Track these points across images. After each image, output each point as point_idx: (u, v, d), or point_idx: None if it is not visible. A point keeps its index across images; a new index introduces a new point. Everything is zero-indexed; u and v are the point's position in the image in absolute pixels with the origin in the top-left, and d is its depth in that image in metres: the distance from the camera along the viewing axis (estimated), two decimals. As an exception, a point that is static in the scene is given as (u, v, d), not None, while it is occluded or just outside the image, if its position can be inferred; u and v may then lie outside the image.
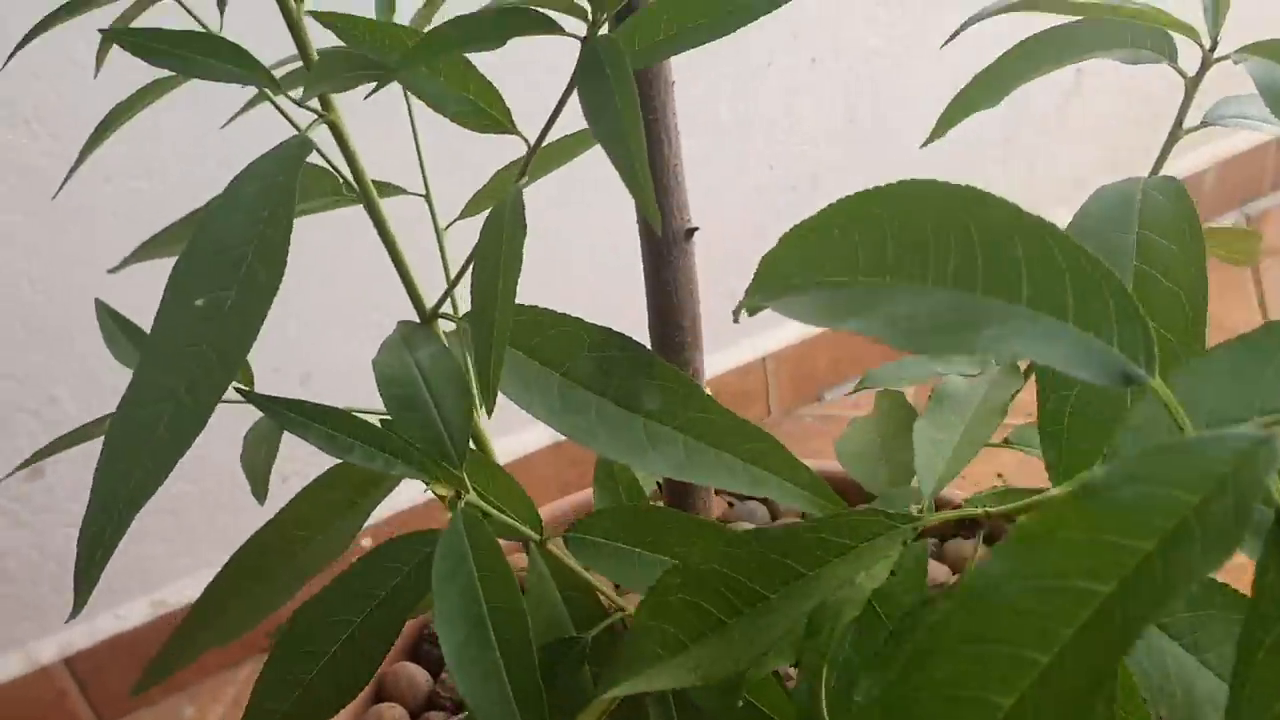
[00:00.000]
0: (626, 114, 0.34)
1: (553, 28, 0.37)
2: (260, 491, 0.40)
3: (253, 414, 0.45)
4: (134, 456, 0.34)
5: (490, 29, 0.37)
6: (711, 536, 0.40)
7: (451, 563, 0.37)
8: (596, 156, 0.51)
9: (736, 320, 0.30)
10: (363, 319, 1.16)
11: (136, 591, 1.16)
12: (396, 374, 0.43)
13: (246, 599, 0.49)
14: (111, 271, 0.50)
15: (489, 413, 0.38)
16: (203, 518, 1.16)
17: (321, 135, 0.45)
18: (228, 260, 0.36)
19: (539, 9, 0.37)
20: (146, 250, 0.50)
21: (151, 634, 1.16)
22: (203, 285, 0.36)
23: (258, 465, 0.39)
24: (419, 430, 0.41)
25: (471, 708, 0.34)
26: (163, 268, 0.40)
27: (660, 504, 0.55)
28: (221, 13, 0.46)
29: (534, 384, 0.43)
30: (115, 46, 0.41)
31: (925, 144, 0.45)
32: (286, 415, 0.39)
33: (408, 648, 0.69)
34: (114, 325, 0.47)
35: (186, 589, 1.17)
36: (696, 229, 0.42)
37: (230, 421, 1.14)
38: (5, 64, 0.47)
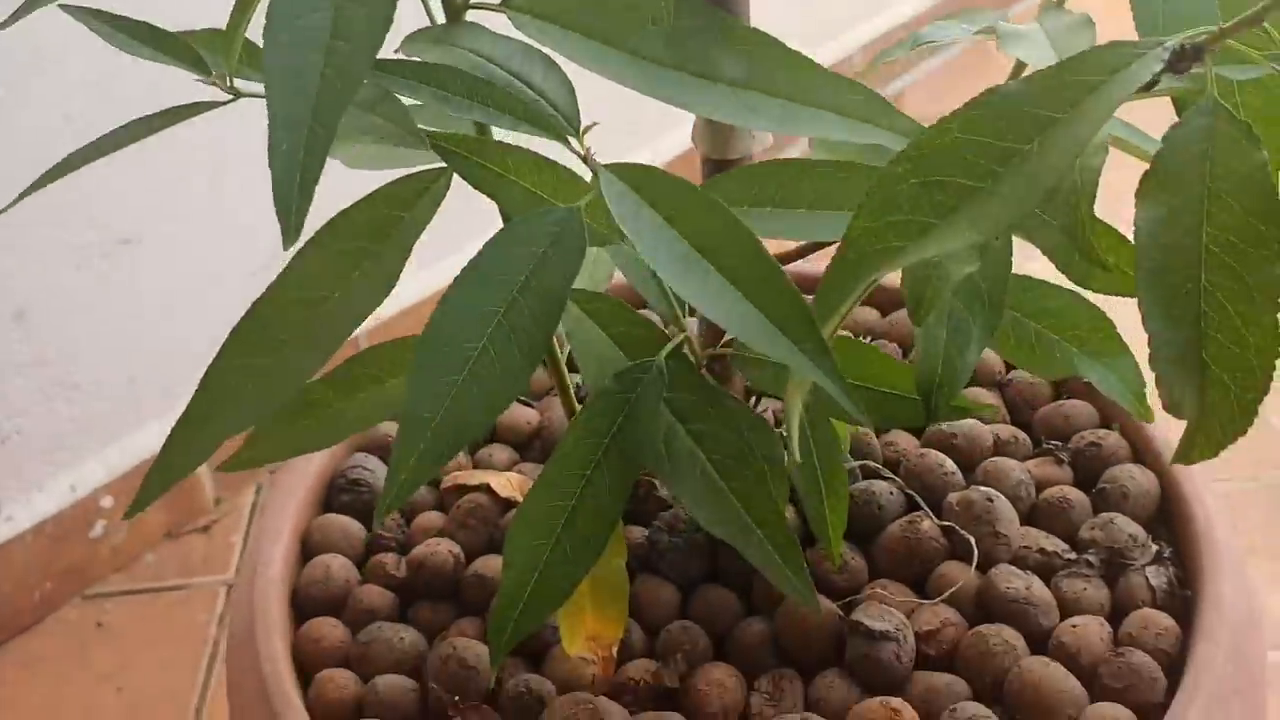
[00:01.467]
0: None
1: None
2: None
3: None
4: (305, 58, 0.28)
5: None
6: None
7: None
8: None
9: None
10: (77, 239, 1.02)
11: None
12: (461, 64, 0.38)
13: (257, 380, 0.42)
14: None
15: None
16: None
17: None
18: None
19: None
20: None
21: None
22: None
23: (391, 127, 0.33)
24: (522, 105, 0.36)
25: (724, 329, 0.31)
26: None
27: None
28: None
29: (605, 59, 0.39)
30: None
31: None
32: (391, 78, 0.33)
33: (319, 502, 0.62)
34: (103, 23, 0.37)
35: None
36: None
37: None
38: None
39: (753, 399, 0.54)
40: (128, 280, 1.07)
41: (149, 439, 1.13)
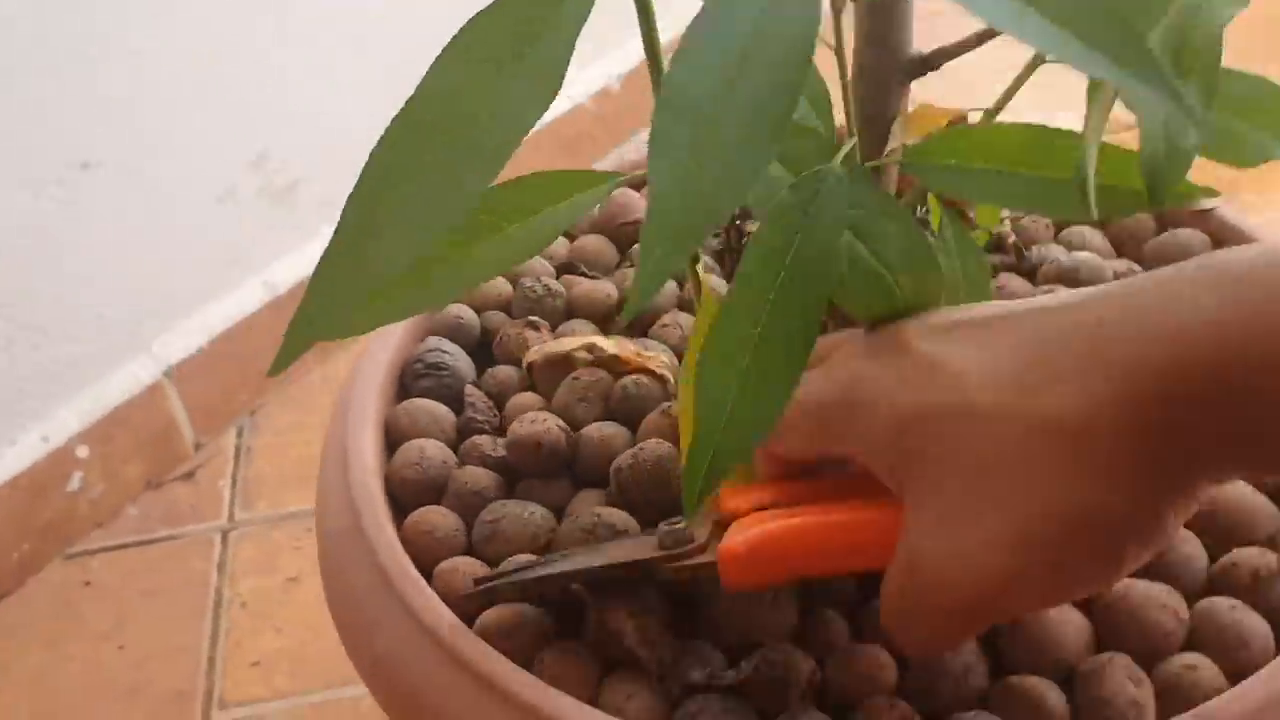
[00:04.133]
0: None
1: None
2: None
3: None
4: None
5: None
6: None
7: None
8: None
9: None
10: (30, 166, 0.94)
11: None
12: None
13: (414, 205, 0.36)
14: None
15: None
16: None
17: None
18: None
19: None
20: None
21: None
22: None
23: None
24: None
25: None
26: None
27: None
28: None
29: None
30: None
31: None
32: None
33: (394, 393, 0.56)
34: None
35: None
36: None
37: None
38: None
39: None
40: (89, 208, 0.98)
41: (123, 381, 1.05)
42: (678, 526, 0.43)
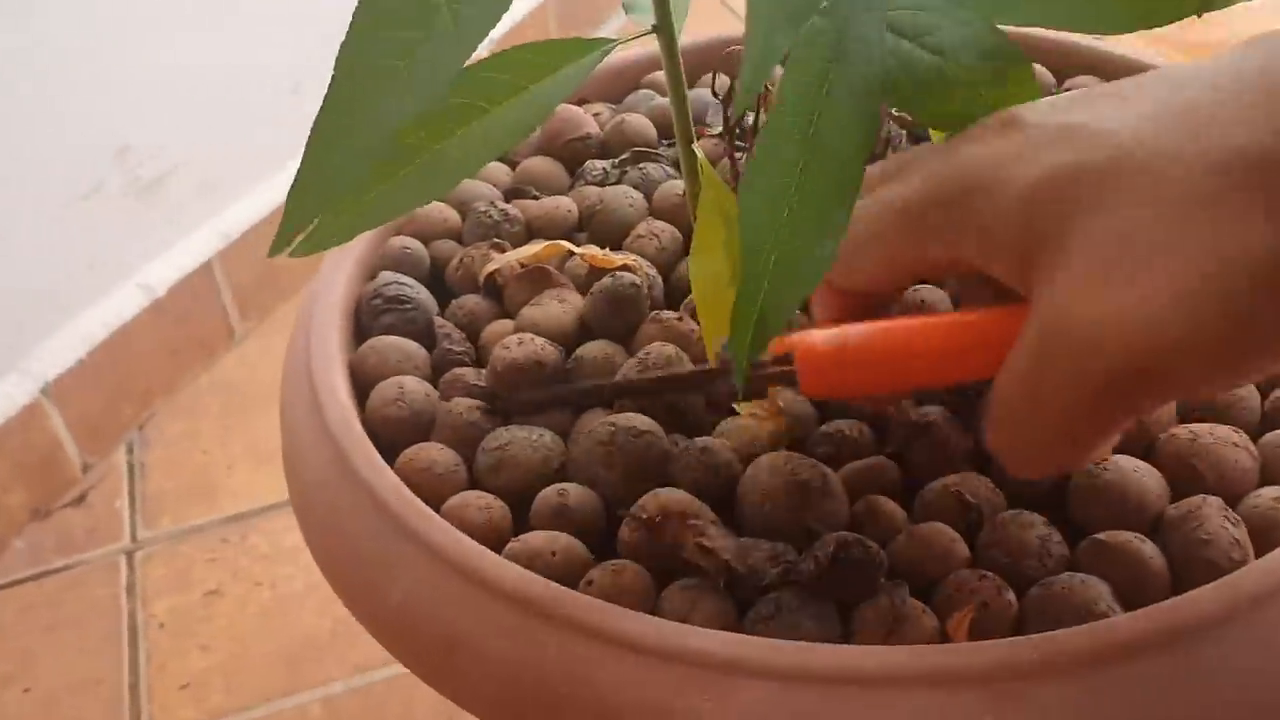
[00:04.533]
0: None
1: None
2: None
3: None
4: None
5: None
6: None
7: None
8: None
9: None
10: None
11: None
12: None
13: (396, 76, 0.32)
14: None
15: None
16: None
17: None
18: None
19: None
20: None
21: None
22: None
23: None
24: None
25: None
26: None
27: None
28: None
29: None
30: None
31: None
32: None
33: (352, 337, 0.51)
34: None
35: None
36: None
37: None
38: None
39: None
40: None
41: (-5, 403, 0.96)
42: None
